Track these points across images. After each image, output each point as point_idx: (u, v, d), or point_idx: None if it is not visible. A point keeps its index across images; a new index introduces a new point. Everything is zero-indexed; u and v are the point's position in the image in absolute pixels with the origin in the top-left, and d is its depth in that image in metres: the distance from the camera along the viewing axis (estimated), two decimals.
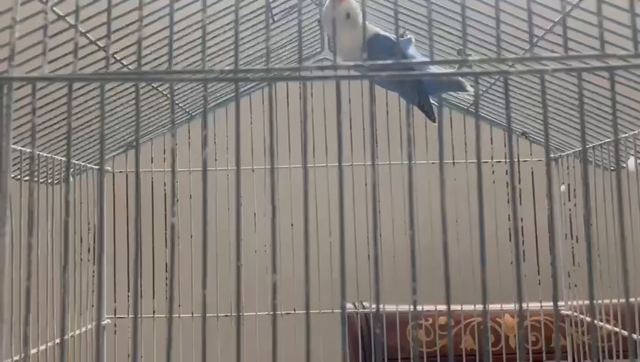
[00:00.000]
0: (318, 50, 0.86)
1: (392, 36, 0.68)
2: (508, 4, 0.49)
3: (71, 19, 0.48)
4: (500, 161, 0.89)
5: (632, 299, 0.39)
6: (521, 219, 0.90)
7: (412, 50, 0.66)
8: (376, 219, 0.35)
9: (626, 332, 0.77)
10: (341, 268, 0.35)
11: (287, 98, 0.88)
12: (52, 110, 0.61)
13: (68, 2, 0.44)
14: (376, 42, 0.66)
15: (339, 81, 0.33)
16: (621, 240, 0.36)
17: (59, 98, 0.60)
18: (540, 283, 0.91)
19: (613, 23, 0.45)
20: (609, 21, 0.46)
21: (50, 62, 0.51)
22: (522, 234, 0.91)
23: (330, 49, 0.86)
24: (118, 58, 0.58)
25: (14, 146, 0.62)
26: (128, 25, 0.52)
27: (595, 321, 0.79)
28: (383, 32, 0.69)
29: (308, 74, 0.33)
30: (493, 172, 0.88)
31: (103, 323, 0.83)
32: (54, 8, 0.46)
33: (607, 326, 0.81)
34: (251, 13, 0.64)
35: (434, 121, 0.73)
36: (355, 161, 0.86)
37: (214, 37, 0.66)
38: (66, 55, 0.48)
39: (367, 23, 0.67)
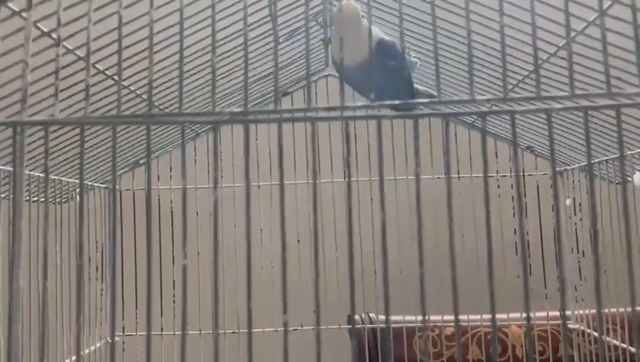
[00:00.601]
0: (322, 66, 0.87)
1: (395, 43, 0.67)
2: (512, 29, 0.49)
3: (81, 52, 0.48)
4: (505, 175, 0.89)
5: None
6: (527, 233, 0.91)
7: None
8: (385, 250, 0.35)
9: (633, 349, 0.77)
10: (351, 295, 0.35)
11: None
12: (60, 136, 0.62)
13: (79, 36, 0.44)
14: (382, 49, 0.65)
15: (346, 121, 0.34)
16: (628, 252, 0.37)
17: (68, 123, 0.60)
18: (546, 297, 0.91)
19: (619, 49, 0.46)
20: (614, 47, 0.46)
21: (62, 90, 0.51)
22: (528, 248, 0.91)
23: (335, 65, 0.86)
24: (129, 84, 0.59)
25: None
26: (138, 53, 0.52)
27: (603, 336, 0.79)
28: (386, 37, 0.67)
29: (314, 114, 0.34)
30: (498, 186, 0.88)
31: (111, 340, 0.83)
32: (64, 43, 0.46)
33: (615, 341, 0.81)
34: (257, 36, 0.64)
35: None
36: (361, 176, 0.86)
37: (223, 58, 0.66)
38: (76, 84, 0.49)
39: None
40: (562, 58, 0.54)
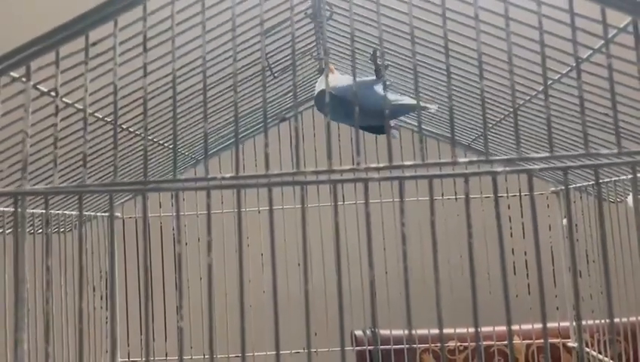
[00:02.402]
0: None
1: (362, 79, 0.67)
2: (491, 73, 0.50)
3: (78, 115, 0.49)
4: (501, 196, 0.90)
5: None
6: (525, 253, 0.91)
7: (390, 94, 0.67)
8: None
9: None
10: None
11: (279, 138, 0.89)
12: (65, 175, 0.63)
13: (77, 95, 0.46)
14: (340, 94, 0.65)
15: (335, 184, 0.35)
16: (604, 266, 0.38)
17: (71, 157, 0.61)
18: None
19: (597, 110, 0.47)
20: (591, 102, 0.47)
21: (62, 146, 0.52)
22: (526, 268, 0.92)
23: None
24: (125, 127, 0.60)
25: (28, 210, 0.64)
26: (136, 100, 0.54)
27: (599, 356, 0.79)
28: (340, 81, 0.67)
29: (303, 178, 0.35)
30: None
31: None
32: (64, 98, 0.48)
33: (612, 361, 0.82)
34: (252, 74, 0.65)
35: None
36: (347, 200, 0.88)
37: (215, 86, 0.67)
38: (76, 139, 0.50)
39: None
40: (540, 99, 0.55)
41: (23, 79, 0.38)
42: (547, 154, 0.34)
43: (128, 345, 0.88)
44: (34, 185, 0.44)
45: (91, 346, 0.79)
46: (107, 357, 0.82)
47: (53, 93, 0.44)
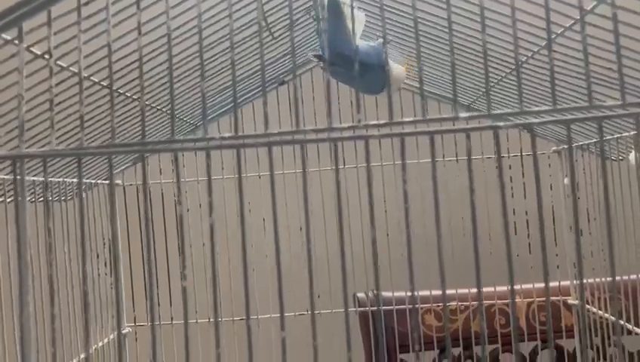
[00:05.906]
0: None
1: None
2: (493, 29, 0.49)
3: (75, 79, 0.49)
4: (504, 156, 0.90)
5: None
6: (526, 212, 0.92)
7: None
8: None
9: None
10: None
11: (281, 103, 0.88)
12: (62, 142, 0.63)
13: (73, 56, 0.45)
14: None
15: (335, 142, 0.34)
16: (607, 227, 0.38)
17: (68, 123, 0.61)
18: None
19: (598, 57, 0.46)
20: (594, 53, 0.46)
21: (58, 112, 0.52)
22: (527, 227, 0.92)
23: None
24: (122, 91, 0.59)
25: (28, 178, 0.64)
26: (131, 63, 0.53)
27: (600, 312, 0.80)
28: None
29: (302, 137, 0.34)
30: (496, 167, 0.89)
31: (123, 331, 0.86)
32: (58, 62, 0.47)
33: (612, 317, 0.83)
34: (249, 34, 0.64)
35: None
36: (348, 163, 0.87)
37: (212, 48, 0.67)
38: (73, 105, 0.50)
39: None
40: (545, 56, 0.54)
41: (16, 41, 0.37)
42: (550, 107, 0.33)
43: (134, 311, 0.89)
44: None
45: (97, 312, 0.80)
46: (113, 322, 0.83)
47: (46, 56, 0.43)
